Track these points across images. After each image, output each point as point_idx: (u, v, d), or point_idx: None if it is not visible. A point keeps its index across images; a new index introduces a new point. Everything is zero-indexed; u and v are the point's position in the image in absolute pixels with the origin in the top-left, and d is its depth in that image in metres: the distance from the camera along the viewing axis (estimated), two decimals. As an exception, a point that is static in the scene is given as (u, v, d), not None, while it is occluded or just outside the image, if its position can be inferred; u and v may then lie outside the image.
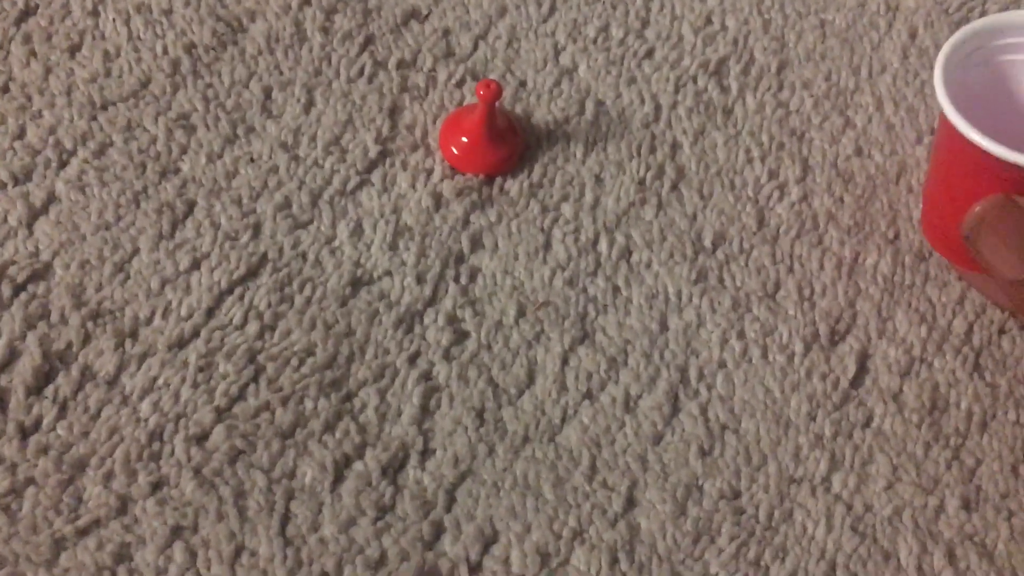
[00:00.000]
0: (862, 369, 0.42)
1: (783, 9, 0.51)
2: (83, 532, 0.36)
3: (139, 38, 0.47)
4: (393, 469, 0.38)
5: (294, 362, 0.40)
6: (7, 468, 0.37)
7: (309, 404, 0.39)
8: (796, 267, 0.44)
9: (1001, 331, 0.43)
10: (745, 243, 0.44)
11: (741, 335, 0.42)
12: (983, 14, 0.51)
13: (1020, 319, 0.43)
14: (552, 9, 0.49)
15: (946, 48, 0.39)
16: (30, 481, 0.37)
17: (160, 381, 0.39)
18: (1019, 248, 0.35)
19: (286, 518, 0.37)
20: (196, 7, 0.47)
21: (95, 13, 0.47)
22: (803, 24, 0.50)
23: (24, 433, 0.38)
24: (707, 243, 0.44)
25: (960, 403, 0.41)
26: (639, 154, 0.46)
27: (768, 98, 0.48)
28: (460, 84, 0.47)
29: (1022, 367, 0.42)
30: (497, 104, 0.43)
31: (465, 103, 0.46)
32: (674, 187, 0.45)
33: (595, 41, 0.49)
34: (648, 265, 0.43)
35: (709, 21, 0.50)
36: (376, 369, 0.40)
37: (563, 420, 0.40)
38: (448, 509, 0.38)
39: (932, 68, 0.43)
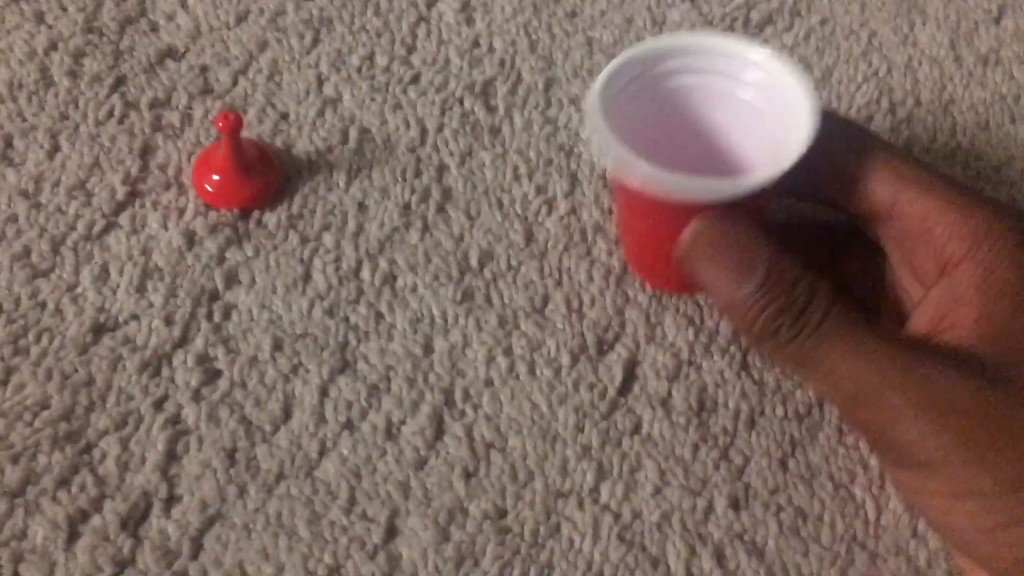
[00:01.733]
0: (630, 376, 0.41)
1: (550, 29, 0.51)
2: None
3: None
4: (134, 520, 0.36)
5: (27, 416, 0.37)
6: None
7: (42, 459, 0.37)
8: (565, 280, 0.44)
9: (768, 328, 0.43)
10: (513, 260, 0.44)
11: (508, 352, 0.41)
12: (746, 24, 0.53)
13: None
14: (315, 41, 0.49)
15: (600, 79, 0.37)
16: None
17: None
18: (734, 270, 0.35)
19: (13, 583, 0.35)
20: (-67, 58, 0.46)
21: None
22: (570, 42, 0.51)
23: None
24: (473, 263, 0.44)
25: (728, 402, 0.41)
26: (404, 178, 0.45)
27: (536, 116, 0.48)
28: (218, 120, 0.46)
29: (789, 362, 0.42)
30: (250, 136, 0.42)
31: (224, 139, 0.45)
32: (440, 209, 0.45)
33: (359, 70, 0.48)
34: (413, 289, 0.43)
35: (476, 44, 0.50)
36: (118, 417, 0.38)
37: (321, 453, 0.38)
38: (194, 557, 0.36)
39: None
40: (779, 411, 0.41)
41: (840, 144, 0.37)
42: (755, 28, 0.52)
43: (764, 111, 0.39)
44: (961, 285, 0.35)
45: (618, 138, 0.36)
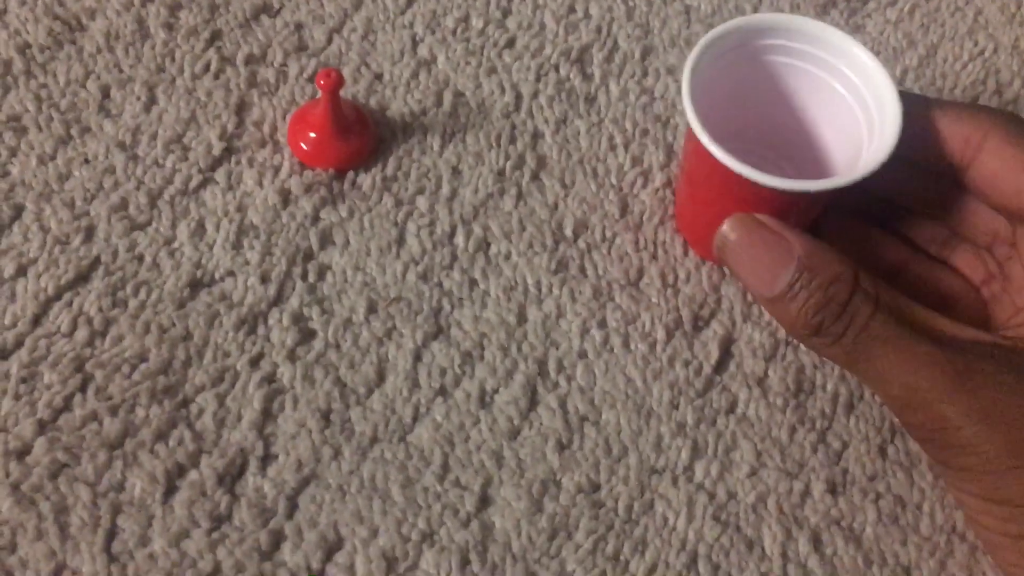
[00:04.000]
0: (726, 354, 0.41)
1: (648, -4, 0.50)
2: None
3: (-28, 40, 0.45)
4: (231, 477, 0.36)
5: (125, 369, 0.37)
6: None
7: (140, 412, 0.37)
8: (660, 254, 0.43)
9: (868, 311, 0.42)
10: (607, 231, 0.43)
11: (602, 324, 0.41)
12: (848, -4, 0.51)
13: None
14: (410, 1, 0.48)
15: (702, 43, 0.37)
16: None
17: (-20, 395, 0.36)
18: (768, 267, 0.34)
19: (112, 533, 0.35)
20: (32, 6, 0.45)
21: (-74, 15, 0.45)
22: (668, 11, 0.49)
23: None
24: (568, 232, 0.43)
25: (826, 385, 0.40)
26: (499, 144, 0.45)
27: (632, 85, 0.47)
28: (312, 79, 0.45)
29: (889, 346, 0.41)
30: (345, 96, 0.42)
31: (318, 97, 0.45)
32: (535, 176, 0.44)
33: (454, 32, 0.47)
34: (507, 256, 0.42)
35: (572, 9, 0.49)
36: (215, 373, 0.38)
37: (415, 418, 0.38)
38: (289, 516, 0.36)
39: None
40: (878, 396, 0.40)
41: (999, 144, 0.36)
42: (858, 1, 0.51)
43: (854, 108, 0.38)
44: None
45: (702, 104, 0.35)
